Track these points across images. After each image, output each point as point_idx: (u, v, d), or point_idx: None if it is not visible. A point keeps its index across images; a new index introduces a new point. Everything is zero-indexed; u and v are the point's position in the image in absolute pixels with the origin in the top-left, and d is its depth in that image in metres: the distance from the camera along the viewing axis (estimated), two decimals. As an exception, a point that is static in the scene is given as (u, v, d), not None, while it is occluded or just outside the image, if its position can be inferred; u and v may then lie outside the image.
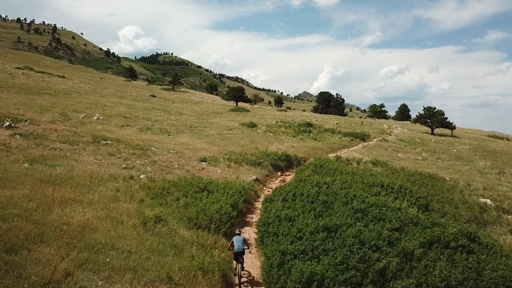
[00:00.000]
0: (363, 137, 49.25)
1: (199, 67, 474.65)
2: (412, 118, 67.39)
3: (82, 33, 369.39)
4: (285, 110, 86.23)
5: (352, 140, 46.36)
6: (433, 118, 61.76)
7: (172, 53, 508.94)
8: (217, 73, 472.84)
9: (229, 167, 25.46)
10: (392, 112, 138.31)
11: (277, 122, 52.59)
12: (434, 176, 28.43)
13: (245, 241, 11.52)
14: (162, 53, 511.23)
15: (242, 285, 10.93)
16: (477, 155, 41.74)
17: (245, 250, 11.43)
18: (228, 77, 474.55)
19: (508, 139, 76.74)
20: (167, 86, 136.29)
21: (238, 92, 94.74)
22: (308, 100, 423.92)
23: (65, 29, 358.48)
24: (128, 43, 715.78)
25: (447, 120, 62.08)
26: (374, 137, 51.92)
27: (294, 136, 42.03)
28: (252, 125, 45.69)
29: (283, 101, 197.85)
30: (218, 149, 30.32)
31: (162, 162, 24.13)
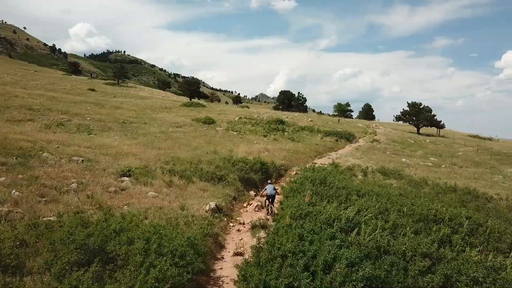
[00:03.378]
0: (349, 137, 40.96)
1: (153, 66, 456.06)
2: (395, 115, 60.17)
3: (25, 28, 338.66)
4: (247, 107, 76.69)
5: (337, 140, 37.74)
6: (420, 116, 54.67)
7: (124, 51, 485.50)
8: (172, 73, 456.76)
9: (170, 185, 15.53)
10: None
11: (240, 118, 42.94)
12: (475, 192, 20.01)
13: (275, 188, 15.75)
14: (114, 51, 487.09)
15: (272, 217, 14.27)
16: (493, 159, 34.25)
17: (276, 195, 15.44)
18: (183, 77, 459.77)
19: (490, 139, 72.34)
20: (112, 81, 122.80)
21: (192, 86, 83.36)
22: (265, 102, 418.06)
23: (5, 22, 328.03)
24: (80, 41, 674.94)
25: (435, 117, 55.15)
26: (359, 137, 43.67)
27: (265, 136, 32.56)
28: (209, 122, 35.75)
29: (241, 101, 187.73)
30: (156, 154, 20.24)
31: (51, 179, 14.05)
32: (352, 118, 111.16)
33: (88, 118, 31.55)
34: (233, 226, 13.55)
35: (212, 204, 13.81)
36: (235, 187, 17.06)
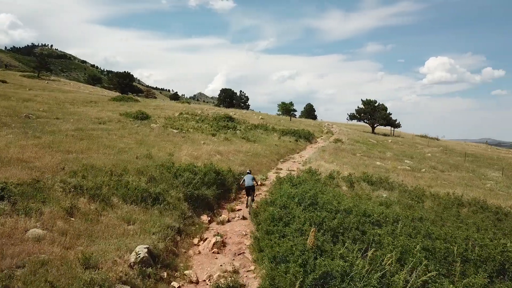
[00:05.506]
0: (308, 137, 36.68)
1: (84, 62, 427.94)
2: (349, 113, 57.05)
3: None
4: (188, 103, 70.12)
5: (296, 140, 33.14)
6: (377, 114, 51.81)
7: (52, 46, 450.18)
8: (105, 70, 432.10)
9: (71, 213, 9.61)
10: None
11: (181, 114, 36.80)
12: (486, 205, 16.12)
13: (254, 178, 14.23)
14: (40, 44, 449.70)
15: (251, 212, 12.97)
16: (467, 161, 31.43)
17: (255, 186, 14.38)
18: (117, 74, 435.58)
19: (438, 139, 72.74)
20: (32, 74, 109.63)
21: (124, 79, 74.76)
22: (204, 101, 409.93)
23: None
24: (1, 33, 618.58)
25: (390, 116, 52.70)
26: (318, 137, 39.58)
27: (213, 135, 26.90)
28: (143, 117, 29.37)
29: (179, 99, 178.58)
30: (61, 160, 13.91)
31: None
32: (295, 117, 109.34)
33: (-25, 112, 23.91)
34: (177, 285, 7.89)
35: (142, 251, 8.07)
36: (179, 212, 11.29)
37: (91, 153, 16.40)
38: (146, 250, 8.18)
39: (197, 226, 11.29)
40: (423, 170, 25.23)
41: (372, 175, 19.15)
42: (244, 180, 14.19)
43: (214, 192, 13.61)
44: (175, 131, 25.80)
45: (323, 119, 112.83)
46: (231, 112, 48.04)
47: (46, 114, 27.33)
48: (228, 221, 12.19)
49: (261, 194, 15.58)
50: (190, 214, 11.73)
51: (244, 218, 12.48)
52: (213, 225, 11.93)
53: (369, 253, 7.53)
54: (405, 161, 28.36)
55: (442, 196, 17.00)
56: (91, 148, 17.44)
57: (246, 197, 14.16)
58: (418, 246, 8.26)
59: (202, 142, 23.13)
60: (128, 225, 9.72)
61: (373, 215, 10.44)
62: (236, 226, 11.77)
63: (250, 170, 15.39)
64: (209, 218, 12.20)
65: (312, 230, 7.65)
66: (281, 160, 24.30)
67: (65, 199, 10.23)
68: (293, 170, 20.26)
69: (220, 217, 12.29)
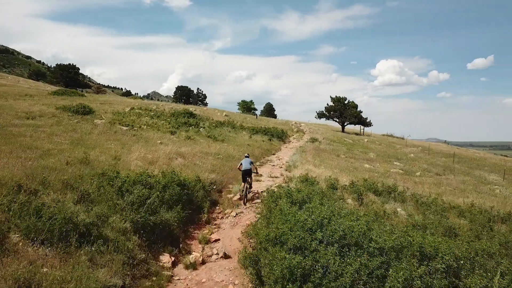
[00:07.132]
0: (281, 136, 33.24)
1: (29, 57, 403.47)
2: (317, 111, 54.10)
3: None
4: (141, 98, 64.43)
5: (270, 140, 29.37)
6: (347, 112, 49.10)
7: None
8: (52, 66, 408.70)
9: None
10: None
11: (132, 109, 31.84)
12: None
13: (252, 163, 13.40)
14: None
15: (246, 201, 12.47)
16: (455, 163, 28.96)
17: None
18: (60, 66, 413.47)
19: (403, 139, 72.10)
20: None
21: (69, 72, 67.64)
22: (158, 100, 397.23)
23: None
24: None
25: (361, 114, 50.24)
26: (290, 136, 36.25)
27: (172, 133, 22.45)
28: (85, 112, 24.36)
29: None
30: None
31: None
32: (256, 115, 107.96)
33: None
34: None
35: None
36: (124, 256, 6.98)
37: (-1, 158, 11.66)
38: None
39: (154, 278, 7.02)
40: (418, 173, 22.18)
41: (376, 182, 15.64)
42: (241, 163, 13.21)
43: (178, 214, 9.32)
44: (125, 128, 21.11)
45: (282, 118, 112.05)
46: (191, 108, 43.41)
47: (-45, 107, 21.76)
48: (203, 262, 8.02)
49: (246, 213, 11.51)
50: (143, 255, 7.41)
51: (226, 256, 8.35)
52: (180, 270, 7.71)
53: None
54: (394, 163, 25.29)
55: (466, 209, 13.74)
56: (1, 150, 12.64)
57: (242, 183, 12.87)
58: None
59: (159, 141, 18.68)
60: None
61: (438, 255, 6.69)
62: (216, 272, 7.64)
63: (248, 154, 14.62)
64: (173, 259, 7.95)
65: None
66: (258, 163, 20.39)
67: None
68: (277, 177, 16.36)
69: (191, 256, 8.08)
